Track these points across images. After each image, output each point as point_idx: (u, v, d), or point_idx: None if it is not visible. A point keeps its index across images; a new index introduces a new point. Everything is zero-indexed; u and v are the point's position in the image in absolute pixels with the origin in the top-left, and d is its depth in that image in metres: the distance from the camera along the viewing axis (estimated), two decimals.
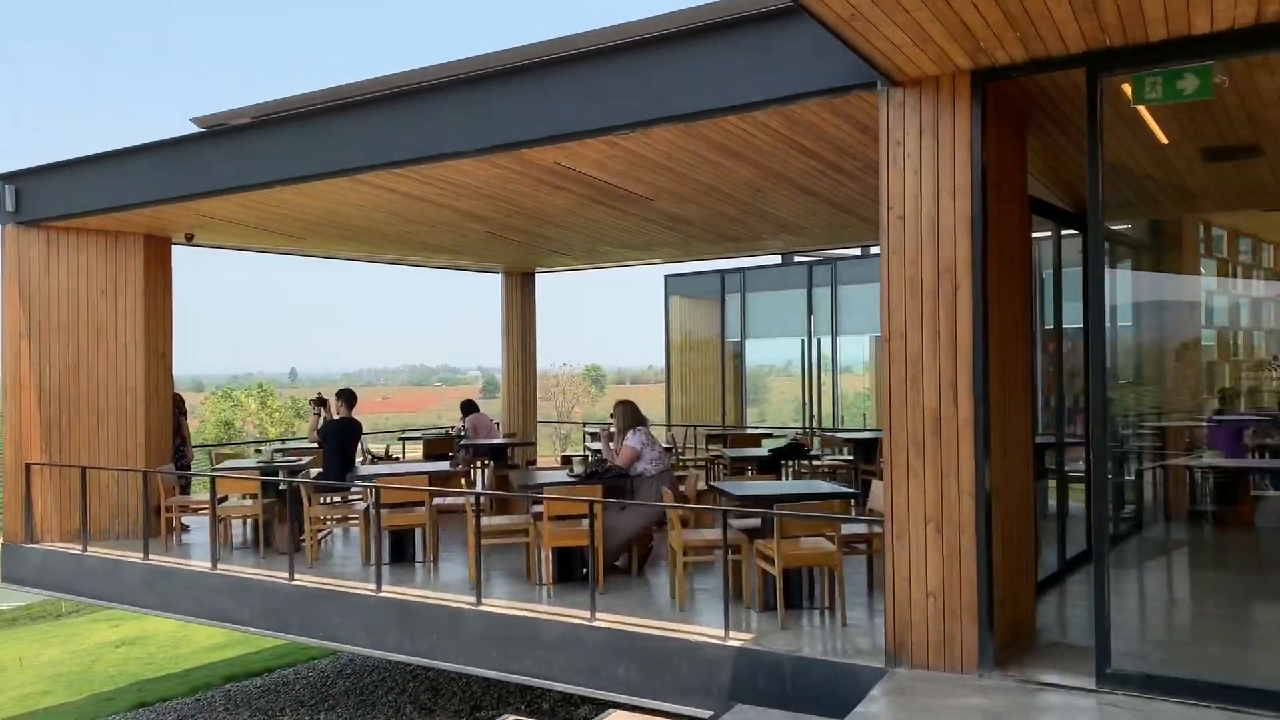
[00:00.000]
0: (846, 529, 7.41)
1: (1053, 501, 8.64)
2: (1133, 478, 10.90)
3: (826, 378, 21.44)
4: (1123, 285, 11.47)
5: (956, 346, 5.75)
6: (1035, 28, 5.05)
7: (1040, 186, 8.15)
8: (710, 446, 14.20)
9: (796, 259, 21.19)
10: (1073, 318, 11.12)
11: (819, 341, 21.24)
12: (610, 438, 9.00)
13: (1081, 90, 5.76)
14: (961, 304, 5.74)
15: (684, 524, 8.33)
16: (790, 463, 11.95)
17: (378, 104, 8.26)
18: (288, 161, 8.79)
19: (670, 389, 24.42)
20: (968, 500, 5.70)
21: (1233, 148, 6.98)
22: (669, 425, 21.56)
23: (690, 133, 7.01)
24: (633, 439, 8.57)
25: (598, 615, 7.14)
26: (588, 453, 12.66)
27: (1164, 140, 6.93)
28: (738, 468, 11.57)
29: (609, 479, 8.39)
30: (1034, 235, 8.02)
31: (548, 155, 7.63)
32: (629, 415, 8.79)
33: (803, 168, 7.89)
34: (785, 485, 8.05)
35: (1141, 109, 6.55)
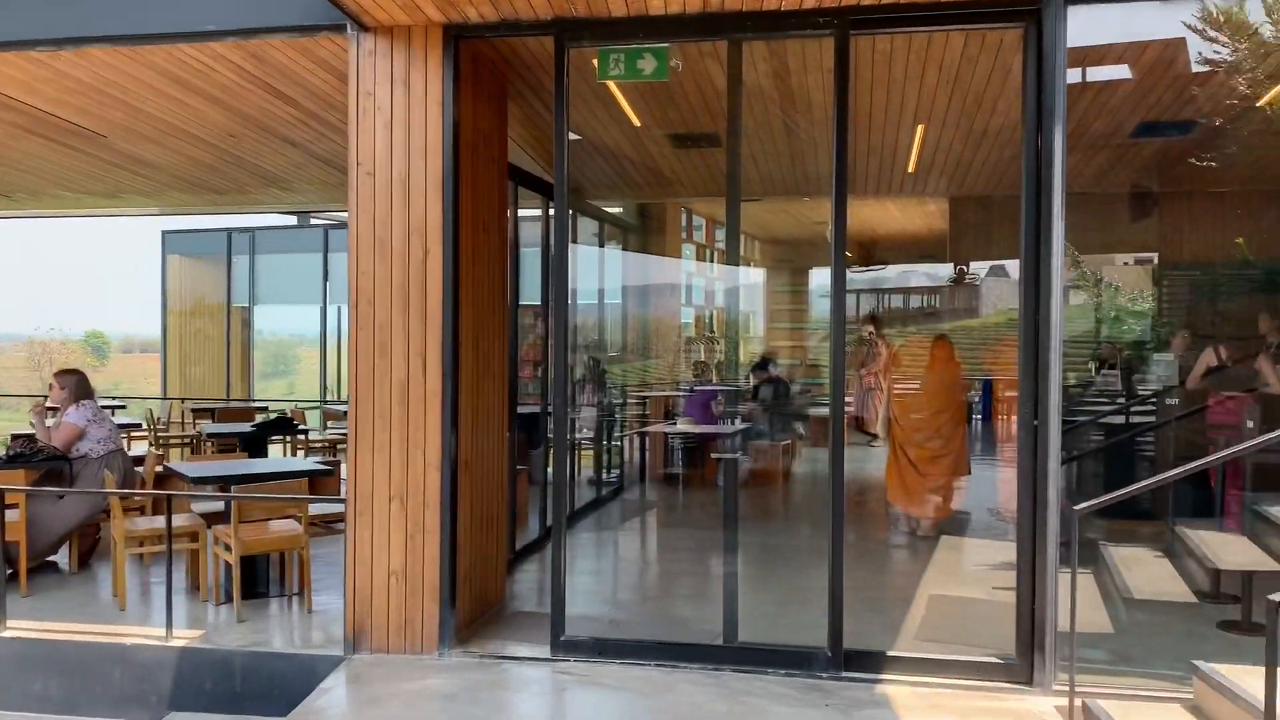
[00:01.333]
0: (327, 508, 6.94)
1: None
2: (618, 444, 11.57)
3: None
4: (614, 264, 12.10)
5: (426, 315, 5.48)
6: None
7: (532, 161, 8.20)
8: (200, 422, 12.89)
9: (313, 220, 20.00)
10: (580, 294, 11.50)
11: (338, 309, 20.36)
12: (48, 413, 7.66)
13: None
14: (432, 270, 5.48)
15: (139, 510, 7.33)
16: (286, 438, 11.17)
17: None
18: None
19: (168, 358, 22.14)
20: (434, 474, 5.47)
21: (695, 135, 7.49)
22: (165, 398, 19.51)
23: (137, 59, 6.05)
24: (75, 415, 7.35)
25: (10, 623, 5.99)
26: None
27: (637, 122, 7.24)
28: (226, 445, 10.56)
29: (40, 462, 7.12)
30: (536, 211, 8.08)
31: None
32: (74, 388, 7.54)
33: (280, 115, 7.20)
34: (257, 463, 7.36)
35: (614, 89, 6.75)
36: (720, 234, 14.39)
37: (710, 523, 9.23)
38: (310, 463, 7.11)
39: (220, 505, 6.79)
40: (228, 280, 21.47)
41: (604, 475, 10.85)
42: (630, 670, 5.20)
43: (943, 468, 8.78)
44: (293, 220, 19.68)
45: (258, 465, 6.96)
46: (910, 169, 8.48)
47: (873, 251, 15.27)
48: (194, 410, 12.73)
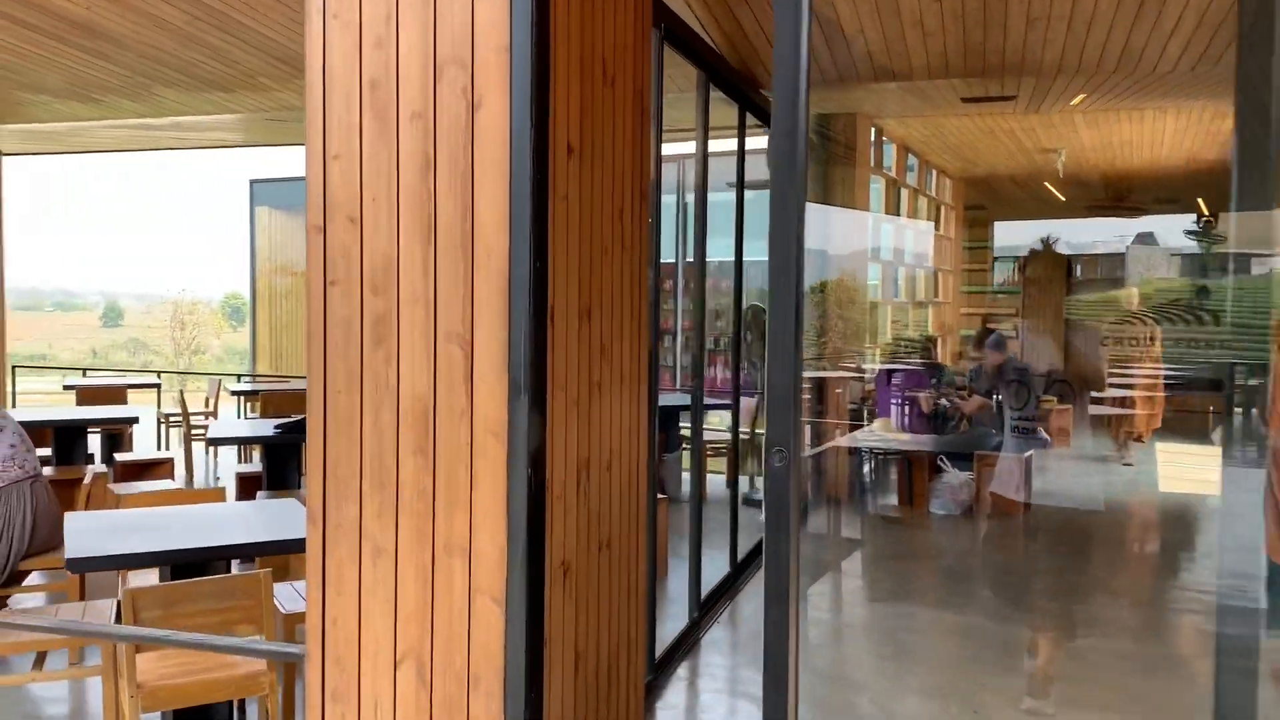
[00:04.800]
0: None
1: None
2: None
3: None
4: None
5: (474, 250, 2.42)
6: None
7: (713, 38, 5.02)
8: (248, 417, 10.25)
9: None
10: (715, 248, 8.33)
11: None
12: None
13: None
14: (488, 145, 2.40)
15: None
16: None
17: None
18: None
19: (257, 328, 19.93)
20: (489, 612, 2.43)
21: None
22: (257, 377, 17.22)
23: None
24: None
25: None
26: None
27: None
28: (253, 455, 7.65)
29: None
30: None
31: None
32: None
33: None
34: (223, 516, 4.40)
35: None
36: (913, 166, 10.99)
37: (951, 594, 6.00)
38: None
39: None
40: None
41: (750, 488, 7.71)
42: None
43: None
44: None
45: (219, 526, 4.02)
46: None
47: (1127, 192, 11.56)
48: (241, 393, 10.07)
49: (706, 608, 5.22)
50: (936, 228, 11.93)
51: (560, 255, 2.57)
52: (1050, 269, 14.47)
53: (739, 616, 5.29)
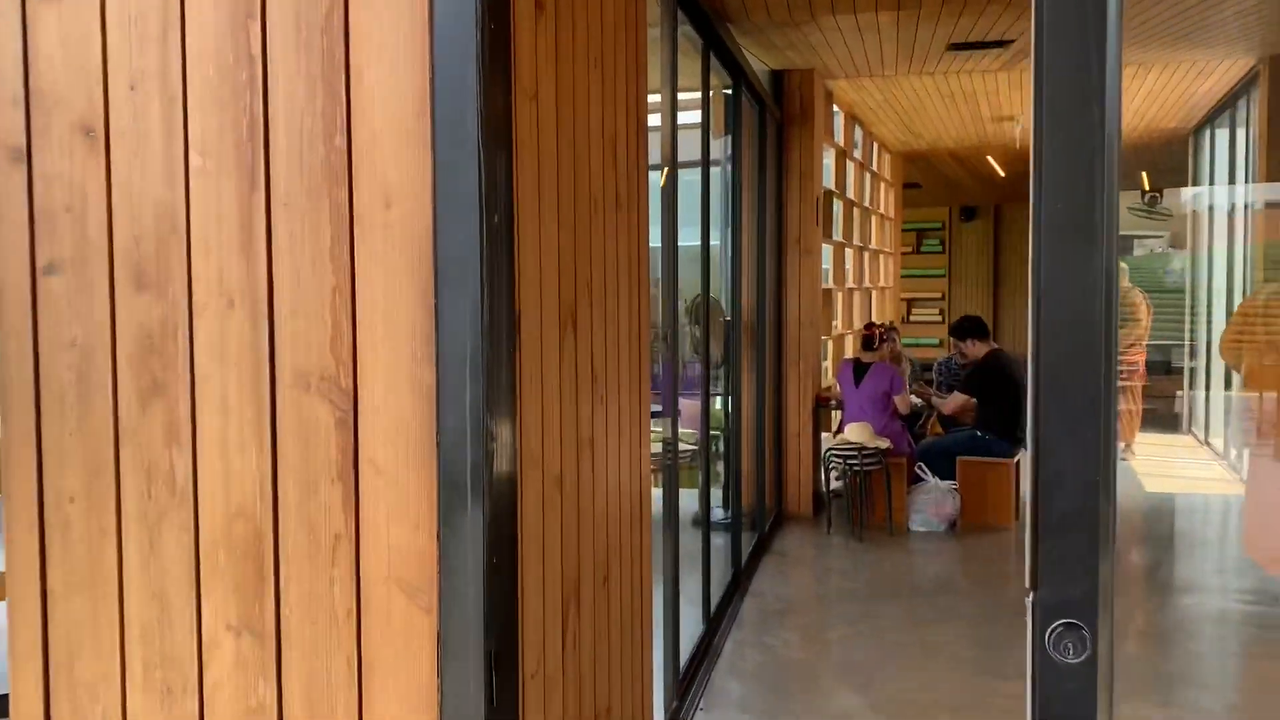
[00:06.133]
0: None
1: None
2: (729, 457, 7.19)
3: None
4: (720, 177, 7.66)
5: (356, 185, 1.14)
6: None
7: None
8: None
9: None
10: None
11: None
12: None
13: None
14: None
15: None
16: None
17: None
18: None
19: None
20: None
21: None
22: None
23: None
24: None
25: None
26: None
27: None
28: None
29: None
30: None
31: None
32: None
33: None
34: None
35: None
36: (859, 138, 9.91)
37: (928, 632, 4.85)
38: None
39: None
40: None
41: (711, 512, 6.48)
42: None
43: None
44: None
45: None
46: None
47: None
48: None
49: (685, 687, 3.99)
50: (876, 206, 10.89)
51: (529, 211, 1.30)
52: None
53: (721, 697, 4.06)
